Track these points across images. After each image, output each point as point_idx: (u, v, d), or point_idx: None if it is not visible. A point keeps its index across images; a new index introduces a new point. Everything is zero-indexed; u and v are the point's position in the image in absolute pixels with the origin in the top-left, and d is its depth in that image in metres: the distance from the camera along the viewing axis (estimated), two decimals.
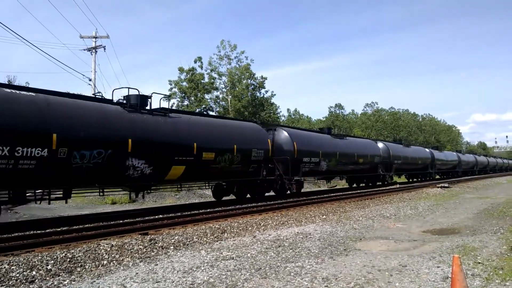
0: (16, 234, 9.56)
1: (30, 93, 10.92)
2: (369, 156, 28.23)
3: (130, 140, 12.43)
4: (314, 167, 21.97)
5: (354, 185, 31.23)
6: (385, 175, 31.57)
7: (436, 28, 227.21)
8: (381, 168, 30.91)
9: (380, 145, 32.05)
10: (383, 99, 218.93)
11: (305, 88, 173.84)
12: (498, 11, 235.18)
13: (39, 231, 9.95)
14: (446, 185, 27.57)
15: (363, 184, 31.16)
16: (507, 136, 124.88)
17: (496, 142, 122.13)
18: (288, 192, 20.17)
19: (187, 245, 8.89)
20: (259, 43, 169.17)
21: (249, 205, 16.28)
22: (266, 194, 19.70)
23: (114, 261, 7.41)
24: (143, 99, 14.01)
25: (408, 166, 36.11)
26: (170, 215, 13.00)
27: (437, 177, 44.40)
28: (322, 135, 24.92)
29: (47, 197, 11.52)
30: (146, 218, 12.38)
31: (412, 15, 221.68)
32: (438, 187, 26.77)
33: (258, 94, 42.87)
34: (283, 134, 20.48)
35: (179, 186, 16.33)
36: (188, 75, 39.25)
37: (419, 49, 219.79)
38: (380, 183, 31.08)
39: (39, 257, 7.16)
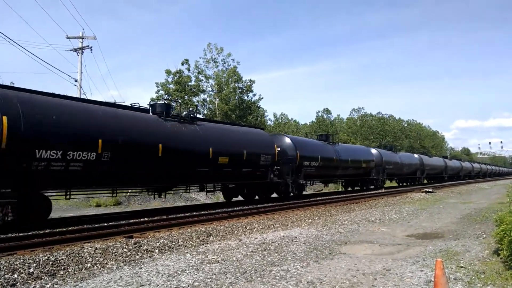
0: None
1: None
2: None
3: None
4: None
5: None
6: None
7: (420, 37, 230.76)
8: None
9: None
10: (368, 105, 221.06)
11: (291, 93, 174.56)
12: (480, 21, 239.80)
13: (21, 234, 9.78)
14: (430, 190, 27.89)
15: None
16: (490, 143, 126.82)
17: (479, 148, 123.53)
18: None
19: (172, 248, 8.84)
20: (244, 47, 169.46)
21: (236, 208, 16.30)
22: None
23: (98, 264, 7.33)
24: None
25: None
26: (156, 218, 12.91)
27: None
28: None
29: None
30: (131, 221, 12.27)
31: (396, 23, 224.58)
32: (422, 191, 27.09)
33: (245, 98, 42.87)
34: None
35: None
36: (175, 78, 39.08)
37: (402, 57, 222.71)
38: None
39: (21, 260, 7.04)
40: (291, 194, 21.91)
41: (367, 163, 30.57)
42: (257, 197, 20.34)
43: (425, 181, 46.25)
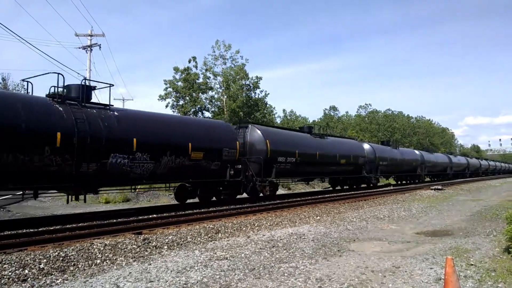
0: (9, 232, 9.50)
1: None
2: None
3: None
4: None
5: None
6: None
7: (428, 33, 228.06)
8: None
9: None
10: (377, 102, 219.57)
11: (299, 90, 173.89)
12: (490, 17, 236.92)
13: (32, 230, 9.88)
14: (439, 187, 27.72)
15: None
16: (500, 139, 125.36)
17: (489, 145, 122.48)
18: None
19: (181, 245, 8.87)
20: (252, 45, 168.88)
21: (244, 205, 16.35)
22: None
23: (107, 260, 7.38)
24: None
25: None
26: (164, 214, 12.97)
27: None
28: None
29: None
30: (140, 217, 12.34)
31: (405, 19, 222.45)
32: (431, 189, 26.92)
33: (252, 95, 42.79)
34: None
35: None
36: (183, 75, 39.08)
37: (411, 53, 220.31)
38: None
39: (32, 256, 7.12)
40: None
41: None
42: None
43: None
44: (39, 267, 6.68)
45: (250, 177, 17.73)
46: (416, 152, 40.38)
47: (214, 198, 17.16)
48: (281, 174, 19.75)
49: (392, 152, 33.88)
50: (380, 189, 27.87)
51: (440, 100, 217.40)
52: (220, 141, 16.48)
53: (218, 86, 41.94)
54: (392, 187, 30.44)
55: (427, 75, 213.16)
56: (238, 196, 18.39)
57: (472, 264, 6.69)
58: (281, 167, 19.24)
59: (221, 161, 16.16)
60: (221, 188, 17.02)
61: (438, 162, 45.21)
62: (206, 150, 15.45)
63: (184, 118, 23.23)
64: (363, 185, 29.99)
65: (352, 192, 24.60)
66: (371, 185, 29.91)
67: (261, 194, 18.96)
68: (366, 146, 30.17)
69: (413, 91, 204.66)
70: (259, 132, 18.45)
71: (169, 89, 39.51)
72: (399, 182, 38.69)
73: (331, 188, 29.06)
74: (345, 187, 28.84)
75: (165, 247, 8.58)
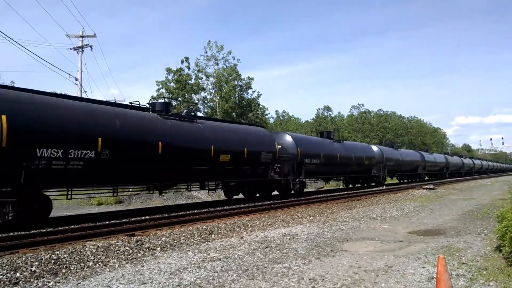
0: (0, 235, 9.40)
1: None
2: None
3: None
4: None
5: None
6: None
7: (420, 33, 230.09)
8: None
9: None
10: (369, 102, 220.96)
11: (292, 90, 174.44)
12: (480, 16, 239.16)
13: (23, 232, 9.79)
14: (431, 186, 27.90)
15: None
16: (491, 139, 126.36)
17: (480, 144, 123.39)
18: None
19: (174, 246, 8.85)
20: (245, 45, 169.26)
21: (237, 206, 16.33)
22: None
23: (100, 263, 7.34)
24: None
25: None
26: (157, 216, 12.92)
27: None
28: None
29: None
30: (133, 219, 12.28)
31: (396, 19, 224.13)
32: (424, 188, 27.10)
33: (245, 95, 42.87)
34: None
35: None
36: (176, 76, 39.03)
37: (403, 53, 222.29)
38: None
39: (23, 259, 7.06)
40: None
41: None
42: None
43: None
44: (31, 270, 6.63)
45: None
46: (374, 147, 33.30)
47: None
48: (62, 180, 11.46)
49: (328, 147, 25.63)
50: (372, 189, 27.80)
51: (432, 99, 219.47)
52: None
53: (210, 87, 41.96)
54: (384, 187, 30.36)
55: (419, 75, 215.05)
56: None
57: (464, 263, 6.74)
58: (56, 167, 10.88)
59: None
60: None
61: (404, 161, 37.90)
62: None
63: None
64: (287, 193, 21.44)
65: (346, 192, 24.19)
66: (292, 192, 21.58)
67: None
68: (286, 138, 22.30)
69: (405, 91, 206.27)
70: None
71: (161, 90, 39.44)
72: (350, 186, 31.95)
73: (226, 198, 20.45)
74: (248, 196, 20.38)
75: (158, 248, 8.54)
